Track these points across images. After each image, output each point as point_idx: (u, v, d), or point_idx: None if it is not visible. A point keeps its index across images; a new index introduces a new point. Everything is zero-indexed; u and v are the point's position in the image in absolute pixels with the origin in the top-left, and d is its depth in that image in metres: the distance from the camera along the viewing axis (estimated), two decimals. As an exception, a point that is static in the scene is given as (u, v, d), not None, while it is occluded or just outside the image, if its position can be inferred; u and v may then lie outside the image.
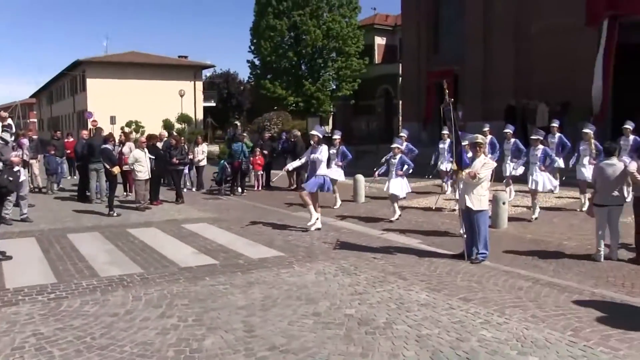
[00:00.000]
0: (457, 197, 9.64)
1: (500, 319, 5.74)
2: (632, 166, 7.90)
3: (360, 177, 14.65)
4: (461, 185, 8.41)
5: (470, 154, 8.58)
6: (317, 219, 10.67)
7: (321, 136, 10.71)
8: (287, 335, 5.35)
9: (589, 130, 12.73)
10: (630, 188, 12.81)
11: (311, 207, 10.55)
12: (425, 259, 8.32)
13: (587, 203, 12.40)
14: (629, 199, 12.37)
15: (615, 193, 8.05)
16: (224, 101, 51.26)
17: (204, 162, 17.90)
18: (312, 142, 10.75)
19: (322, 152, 10.56)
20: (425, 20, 25.65)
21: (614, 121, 19.07)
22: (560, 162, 13.88)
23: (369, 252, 8.82)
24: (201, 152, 17.71)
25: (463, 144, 8.65)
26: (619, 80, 19.50)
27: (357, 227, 11.08)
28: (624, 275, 7.45)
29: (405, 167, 11.54)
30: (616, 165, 8.07)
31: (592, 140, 12.55)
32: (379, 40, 39.69)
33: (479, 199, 8.10)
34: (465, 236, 8.34)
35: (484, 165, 8.19)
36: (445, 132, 14.78)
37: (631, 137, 13.16)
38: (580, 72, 19.29)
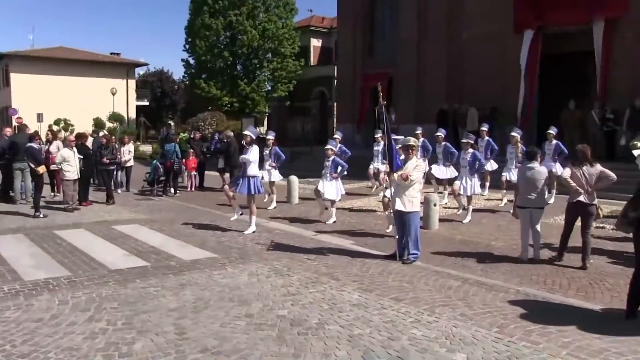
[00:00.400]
0: (386, 195, 9.84)
1: (430, 317, 5.88)
2: (566, 172, 8.12)
3: (294, 179, 14.68)
4: (393, 187, 8.55)
5: (402, 157, 8.76)
6: (250, 215, 10.57)
7: (254, 137, 10.64)
8: (219, 337, 5.30)
9: (515, 134, 13.29)
10: (554, 191, 13.58)
11: (234, 203, 10.49)
12: (357, 259, 8.42)
13: (505, 200, 13.10)
14: (552, 201, 13.06)
15: (535, 196, 8.34)
16: (158, 100, 50.12)
17: (131, 162, 17.45)
18: (244, 143, 10.66)
19: (252, 152, 10.47)
20: (360, 23, 25.98)
21: (539, 126, 19.97)
22: (489, 165, 14.44)
23: (302, 253, 8.85)
24: (127, 152, 17.22)
25: (396, 146, 8.81)
26: (545, 88, 20.44)
27: (291, 228, 11.10)
28: (546, 274, 7.80)
29: (339, 169, 11.64)
30: (535, 169, 8.35)
31: (519, 144, 13.10)
32: (315, 42, 39.89)
33: (410, 201, 8.27)
34: (397, 237, 8.49)
35: (416, 167, 8.37)
36: (379, 134, 15.05)
37: (554, 141, 13.77)
38: (508, 78, 20.06)
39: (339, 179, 11.74)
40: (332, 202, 11.73)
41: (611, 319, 6.03)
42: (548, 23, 19.21)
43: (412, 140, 8.70)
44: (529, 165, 8.49)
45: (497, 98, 20.08)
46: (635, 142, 9.50)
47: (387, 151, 8.51)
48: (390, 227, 9.97)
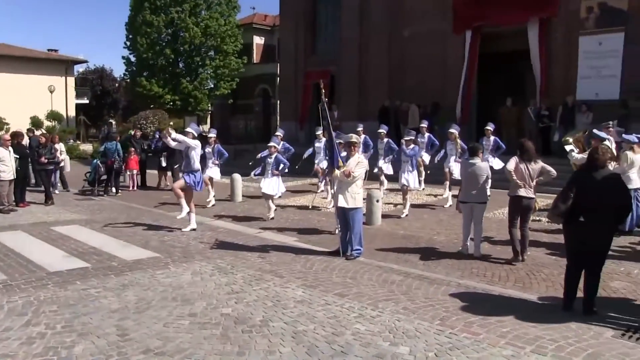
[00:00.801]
0: (331, 195, 9.93)
1: (374, 312, 5.96)
2: (510, 165, 8.15)
3: (237, 177, 14.55)
4: (336, 184, 8.61)
5: (344, 153, 8.83)
6: (189, 212, 10.46)
7: (196, 134, 10.53)
8: (162, 338, 5.22)
9: (454, 131, 13.60)
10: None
11: (182, 201, 10.35)
12: (301, 256, 8.45)
13: (450, 196, 13.38)
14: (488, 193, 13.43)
15: (477, 191, 8.50)
16: (98, 98, 48.65)
17: (62, 162, 16.87)
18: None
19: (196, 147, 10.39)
20: (303, 20, 25.98)
21: (478, 123, 20.51)
22: (426, 158, 14.78)
23: (246, 251, 8.81)
24: (58, 151, 16.62)
25: (337, 142, 8.88)
26: (484, 86, 21.02)
27: (234, 226, 11.03)
28: (486, 267, 8.02)
29: (281, 166, 11.64)
30: (477, 164, 8.50)
31: (458, 140, 13.42)
32: (258, 40, 39.66)
33: (353, 197, 8.34)
34: (340, 233, 8.55)
35: (358, 164, 8.44)
36: (320, 131, 15.13)
37: (492, 137, 14.18)
38: (448, 76, 20.52)
39: (280, 176, 11.75)
40: (271, 198, 11.72)
41: (547, 307, 6.27)
42: (485, 23, 19.68)
43: (354, 137, 8.77)
44: (470, 161, 8.61)
45: (438, 95, 20.48)
46: (567, 137, 9.90)
47: (328, 148, 8.54)
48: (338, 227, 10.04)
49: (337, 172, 8.35)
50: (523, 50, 18.84)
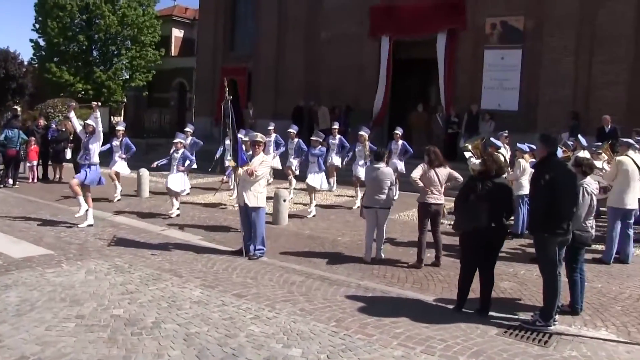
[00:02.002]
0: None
1: (270, 313, 5.96)
2: (416, 172, 8.23)
3: (144, 172, 14.10)
4: (239, 183, 8.56)
5: (250, 152, 8.79)
6: (87, 211, 10.09)
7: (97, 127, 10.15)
8: (41, 342, 4.96)
9: (363, 133, 13.85)
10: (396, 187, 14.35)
11: (80, 198, 9.97)
12: (204, 255, 8.32)
13: (359, 197, 13.56)
14: (396, 196, 13.78)
15: (381, 196, 8.47)
16: (1, 83, 45.74)
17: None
18: (86, 133, 10.11)
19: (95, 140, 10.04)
20: (222, 15, 25.60)
21: (390, 127, 21.01)
22: (337, 161, 14.98)
23: (147, 248, 8.58)
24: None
25: (244, 139, 8.82)
26: (396, 90, 21.54)
27: (138, 223, 10.74)
28: (387, 269, 8.18)
29: (187, 162, 11.46)
30: (381, 169, 8.51)
31: (367, 143, 13.67)
32: (177, 33, 38.68)
33: (256, 196, 8.31)
34: (243, 232, 8.50)
35: (262, 163, 8.43)
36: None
37: (400, 141, 14.56)
38: (363, 80, 20.86)
39: (186, 172, 11.55)
40: (177, 194, 11.49)
41: (441, 309, 6.51)
42: (399, 32, 20.20)
43: (258, 136, 8.75)
44: (375, 165, 8.65)
45: (353, 98, 20.78)
46: (466, 144, 10.33)
47: (232, 146, 8.48)
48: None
49: (240, 170, 8.30)
50: (435, 58, 19.50)
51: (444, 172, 8.35)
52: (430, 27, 19.37)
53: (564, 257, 6.18)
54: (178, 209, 11.57)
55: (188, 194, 12.19)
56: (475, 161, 9.60)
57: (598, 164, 9.90)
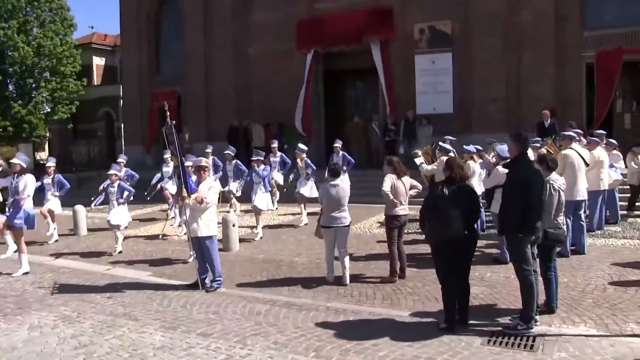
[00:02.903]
0: (183, 222, 9.31)
1: (243, 350, 5.52)
2: (386, 186, 7.85)
3: (80, 208, 13.24)
4: (188, 211, 8.03)
5: (194, 178, 8.30)
6: (19, 252, 9.25)
7: (24, 165, 9.38)
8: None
9: (298, 151, 13.58)
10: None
11: (7, 237, 9.17)
12: (157, 292, 7.73)
13: (305, 214, 13.23)
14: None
15: (341, 213, 7.95)
16: None
17: None
18: (13, 172, 9.31)
19: (25, 182, 9.20)
20: (145, 39, 24.77)
21: (327, 140, 20.85)
22: (279, 178, 14.63)
23: (95, 292, 7.89)
24: None
25: (187, 164, 8.33)
26: (331, 103, 21.46)
27: (79, 265, 9.93)
28: (352, 286, 7.82)
29: (126, 193, 10.79)
30: (340, 185, 8.03)
31: (305, 159, 13.40)
32: (98, 61, 37.37)
33: (207, 225, 7.82)
34: (197, 264, 7.99)
35: (210, 188, 7.95)
36: (167, 155, 14.42)
37: (341, 153, 14.34)
38: (295, 95, 20.57)
39: (125, 204, 10.88)
40: (118, 228, 10.81)
41: (418, 324, 6.23)
42: (327, 44, 20.10)
43: (203, 161, 8.27)
44: (332, 182, 8.03)
45: (286, 113, 20.45)
46: (416, 151, 10.21)
47: (178, 173, 7.94)
48: (192, 255, 9.41)
49: (188, 198, 7.79)
50: (367, 68, 19.51)
51: (407, 181, 8.14)
52: (360, 37, 19.36)
53: (537, 255, 6.10)
54: (123, 241, 10.86)
55: (126, 227, 11.46)
56: (426, 167, 9.47)
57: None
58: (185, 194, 7.76)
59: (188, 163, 8.58)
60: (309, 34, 20.30)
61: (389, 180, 7.95)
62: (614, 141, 12.78)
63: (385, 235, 8.26)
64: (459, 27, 18.50)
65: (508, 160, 6.35)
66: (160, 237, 12.14)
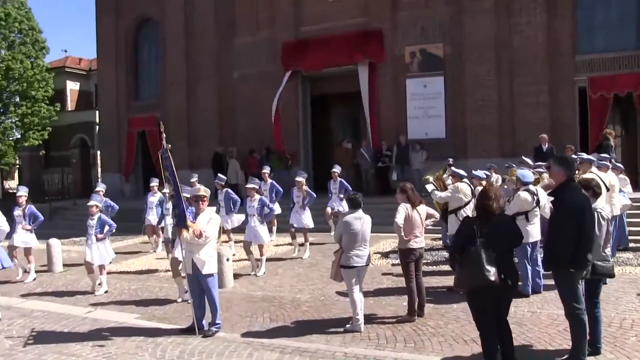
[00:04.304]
0: (175, 256, 8.39)
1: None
2: (400, 218, 7.06)
3: (54, 242, 12.10)
4: (185, 247, 7.15)
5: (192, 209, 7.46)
6: None
7: None
8: None
9: (301, 179, 12.77)
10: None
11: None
12: (148, 340, 6.76)
13: (300, 247, 12.29)
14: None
15: (364, 250, 6.99)
16: None
17: None
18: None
19: None
20: (123, 63, 23.93)
21: (315, 165, 20.18)
22: (276, 208, 13.75)
23: (74, 341, 6.85)
24: None
25: (182, 198, 7.45)
26: (319, 128, 20.83)
27: (56, 307, 8.78)
28: (367, 327, 6.94)
29: (107, 228, 9.76)
30: (364, 219, 7.01)
31: (304, 187, 12.60)
32: (72, 85, 36.19)
33: (206, 261, 6.97)
34: (193, 306, 7.08)
35: (210, 221, 7.12)
36: (154, 183, 13.52)
37: (338, 180, 13.67)
38: (281, 119, 19.88)
39: (106, 239, 9.88)
40: (102, 268, 9.80)
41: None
42: (313, 66, 19.60)
43: (202, 190, 7.40)
44: (355, 215, 7.00)
45: (271, 140, 19.78)
46: (427, 177, 9.51)
47: (176, 204, 7.06)
48: (180, 295, 8.48)
49: (186, 232, 6.92)
50: (355, 91, 18.97)
51: (423, 210, 7.32)
52: (348, 59, 18.88)
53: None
54: (100, 284, 9.80)
55: (110, 263, 10.42)
56: (439, 194, 8.76)
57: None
58: (181, 225, 6.89)
59: (184, 194, 7.70)
60: (294, 57, 19.77)
61: (403, 211, 7.11)
62: (620, 165, 12.31)
63: (401, 269, 7.44)
64: (451, 50, 18.11)
65: (553, 189, 5.59)
66: (146, 271, 11.03)
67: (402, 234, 7.06)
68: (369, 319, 7.29)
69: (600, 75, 16.71)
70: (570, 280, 5.15)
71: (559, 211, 5.20)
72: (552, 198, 5.65)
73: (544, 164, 12.13)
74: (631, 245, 11.53)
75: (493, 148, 17.17)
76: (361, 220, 6.99)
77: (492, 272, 4.87)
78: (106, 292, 9.65)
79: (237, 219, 12.60)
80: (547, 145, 15.26)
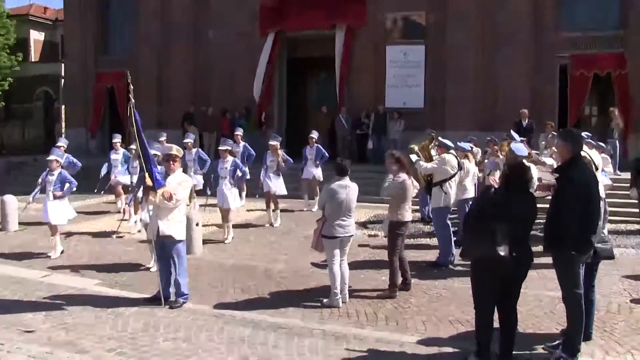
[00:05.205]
0: (141, 220, 7.85)
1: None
2: (399, 188, 6.74)
3: (9, 198, 11.30)
4: (153, 209, 6.59)
5: (161, 169, 6.88)
6: None
7: None
8: None
9: (275, 142, 12.23)
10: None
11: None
12: (108, 310, 6.19)
13: (275, 216, 11.79)
14: (315, 208, 12.30)
15: (348, 219, 6.60)
16: None
17: None
18: None
19: None
20: (92, 15, 22.66)
21: (289, 130, 19.61)
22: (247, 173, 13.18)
23: (27, 311, 6.19)
24: None
25: (152, 154, 6.86)
26: (292, 92, 20.20)
27: (7, 270, 8.07)
28: (347, 305, 6.53)
29: (67, 186, 9.06)
30: (350, 187, 6.59)
31: (280, 152, 12.06)
32: (37, 35, 34.46)
33: (175, 226, 6.44)
34: (159, 274, 6.56)
35: (181, 183, 6.56)
36: (117, 139, 12.80)
37: (315, 145, 13.21)
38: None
39: (65, 197, 9.20)
40: (55, 228, 9.09)
41: (437, 355, 5.12)
42: (291, 28, 18.93)
43: (174, 149, 6.81)
44: (341, 183, 6.54)
45: (247, 101, 19.16)
46: (412, 146, 9.04)
47: (143, 163, 6.45)
48: (153, 262, 7.92)
49: (155, 194, 6.34)
50: (334, 56, 18.39)
51: (414, 181, 6.93)
52: (327, 22, 18.26)
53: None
54: (62, 249, 9.15)
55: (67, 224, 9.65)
56: (425, 165, 8.31)
57: (548, 160, 9.01)
58: (150, 187, 6.32)
59: (154, 151, 7.10)
60: (272, 18, 19.01)
61: (407, 181, 6.78)
62: (602, 144, 12.07)
63: (389, 244, 7.00)
64: (434, 18, 17.57)
65: (559, 165, 5.19)
66: (114, 237, 10.41)
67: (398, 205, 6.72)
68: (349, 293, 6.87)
69: (582, 53, 16.51)
70: (572, 263, 4.80)
71: (565, 189, 4.79)
72: (549, 175, 5.27)
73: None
74: (611, 226, 11.36)
75: (472, 121, 16.77)
76: (347, 189, 6.53)
77: (503, 247, 4.50)
78: (62, 252, 9.03)
79: (199, 180, 12.08)
80: (527, 121, 14.98)
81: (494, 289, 4.76)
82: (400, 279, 6.93)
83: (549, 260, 6.55)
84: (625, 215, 12.01)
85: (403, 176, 6.79)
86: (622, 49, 16.11)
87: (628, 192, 12.48)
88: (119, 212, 12.28)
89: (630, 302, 6.76)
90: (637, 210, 12.35)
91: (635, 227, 11.70)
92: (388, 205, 7.13)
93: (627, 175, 13.63)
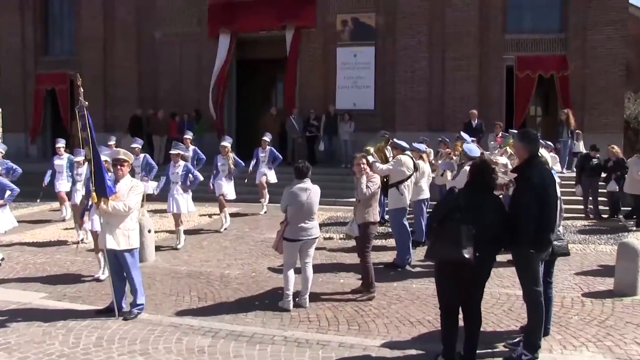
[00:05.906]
0: (95, 229, 7.52)
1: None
2: (373, 187, 6.69)
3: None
4: (103, 219, 6.27)
5: (111, 174, 6.59)
6: None
7: None
8: None
9: (227, 144, 12.01)
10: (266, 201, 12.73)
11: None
12: (57, 324, 5.85)
13: (227, 220, 11.55)
14: (264, 211, 12.16)
15: (311, 222, 6.50)
16: None
17: None
18: None
19: None
20: (31, 14, 21.70)
21: (239, 132, 19.37)
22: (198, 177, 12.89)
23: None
24: None
25: (103, 162, 6.54)
26: (244, 94, 19.95)
27: None
28: (307, 309, 6.44)
29: (8, 193, 8.57)
30: (312, 190, 6.48)
31: (230, 155, 11.85)
32: (-31, 35, 33.00)
33: (126, 235, 6.16)
34: (111, 283, 6.27)
35: (131, 189, 6.29)
36: (61, 144, 12.29)
37: (267, 148, 13.05)
38: (204, 82, 18.91)
39: (6, 206, 8.74)
40: None
41: (402, 358, 5.05)
42: (241, 29, 18.73)
43: (121, 153, 6.53)
44: (301, 185, 6.44)
45: (194, 103, 18.87)
46: (368, 147, 9.03)
47: (93, 169, 6.13)
48: (103, 272, 7.60)
49: (104, 202, 6.05)
50: (284, 57, 18.31)
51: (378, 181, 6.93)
52: (276, 23, 18.16)
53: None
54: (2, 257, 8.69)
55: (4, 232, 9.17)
56: (381, 167, 8.27)
57: (502, 159, 9.15)
58: (99, 195, 6.03)
59: (104, 157, 6.79)
60: (222, 18, 18.73)
61: (378, 182, 6.86)
62: (550, 143, 12.39)
63: (361, 245, 6.98)
64: (383, 20, 17.69)
65: (517, 165, 5.22)
66: (76, 247, 9.70)
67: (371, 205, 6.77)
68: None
69: (527, 55, 16.89)
70: (531, 261, 4.83)
71: (523, 189, 4.83)
72: (514, 175, 5.30)
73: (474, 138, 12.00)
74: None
75: (422, 121, 16.99)
76: (307, 192, 6.43)
77: (467, 249, 4.46)
78: (2, 259, 8.58)
79: (152, 185, 11.71)
80: (476, 121, 15.23)
81: (458, 290, 4.74)
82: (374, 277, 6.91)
83: (504, 258, 6.73)
84: (572, 212, 12.33)
85: (377, 176, 6.84)
86: (564, 52, 16.60)
87: (574, 190, 12.93)
88: (63, 220, 11.79)
89: (582, 296, 6.93)
90: (582, 207, 12.80)
91: (580, 222, 12.06)
92: (354, 207, 7.12)
93: (572, 173, 14.16)
